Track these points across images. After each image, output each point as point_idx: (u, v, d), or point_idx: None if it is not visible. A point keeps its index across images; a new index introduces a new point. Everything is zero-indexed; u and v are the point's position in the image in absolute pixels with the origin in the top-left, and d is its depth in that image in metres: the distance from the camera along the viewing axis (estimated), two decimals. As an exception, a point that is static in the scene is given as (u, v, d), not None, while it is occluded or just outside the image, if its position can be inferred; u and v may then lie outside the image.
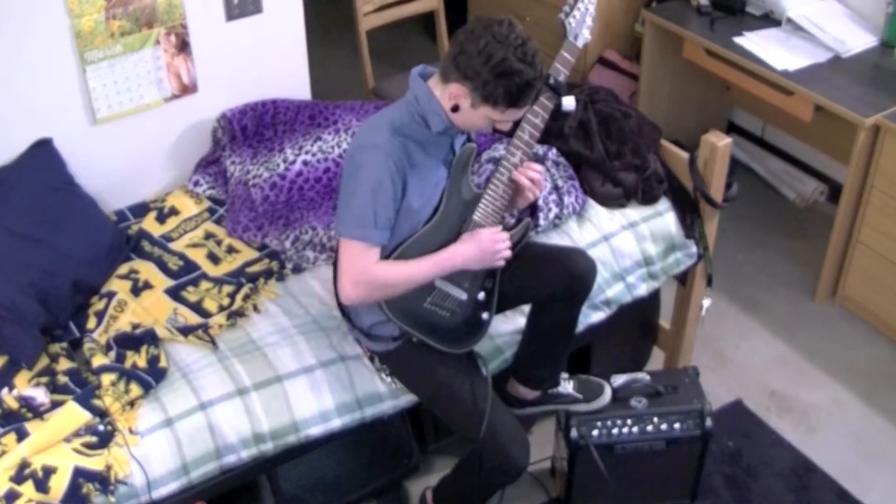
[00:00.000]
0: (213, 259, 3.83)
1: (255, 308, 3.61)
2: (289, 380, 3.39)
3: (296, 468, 3.73)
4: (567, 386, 3.70)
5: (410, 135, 3.10)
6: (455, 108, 3.03)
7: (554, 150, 4.05)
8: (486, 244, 3.20)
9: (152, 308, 3.60)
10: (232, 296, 3.65)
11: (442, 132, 3.12)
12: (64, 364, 3.39)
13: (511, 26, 2.96)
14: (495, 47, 2.91)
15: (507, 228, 3.35)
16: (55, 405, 3.23)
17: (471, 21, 3.04)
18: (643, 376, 3.84)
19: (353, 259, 3.09)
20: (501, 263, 3.27)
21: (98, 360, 3.36)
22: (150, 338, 3.43)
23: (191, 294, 3.67)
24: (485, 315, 3.37)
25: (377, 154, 3.04)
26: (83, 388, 3.29)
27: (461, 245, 3.21)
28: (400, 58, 6.03)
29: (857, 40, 4.92)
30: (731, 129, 6.00)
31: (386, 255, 3.18)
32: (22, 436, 3.14)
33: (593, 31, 3.32)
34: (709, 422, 3.75)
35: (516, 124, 3.23)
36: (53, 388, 3.30)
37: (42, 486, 3.03)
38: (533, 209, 3.84)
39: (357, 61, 5.30)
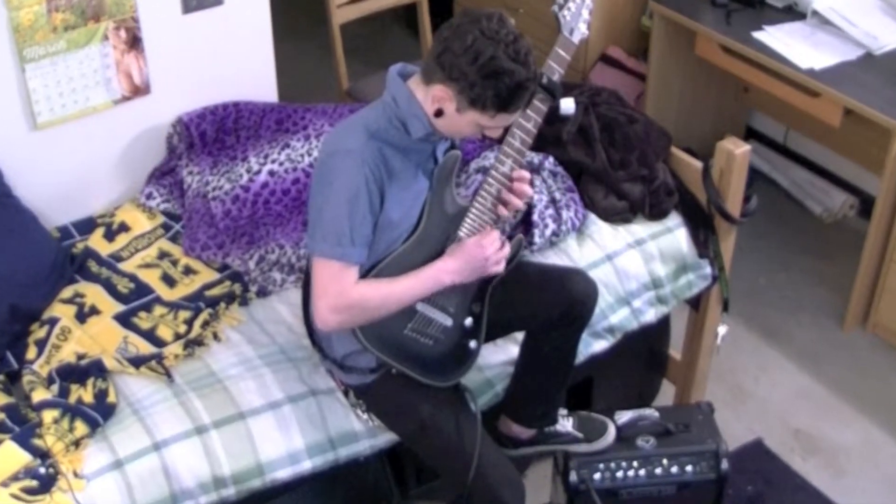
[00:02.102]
0: (168, 281, 3.85)
1: (216, 336, 3.63)
2: (253, 417, 3.41)
3: (261, 516, 3.75)
4: (566, 424, 3.73)
5: (388, 140, 3.11)
6: (439, 113, 3.04)
7: (551, 159, 4.08)
8: (474, 251, 3.21)
9: (100, 336, 3.62)
10: (189, 322, 3.67)
11: (423, 138, 3.14)
12: (0, 399, 3.40)
13: (502, 21, 2.98)
14: (484, 44, 2.92)
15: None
16: (-10, 445, 3.25)
17: (457, 14, 3.05)
18: (651, 413, 3.87)
19: (329, 281, 3.10)
20: (499, 269, 3.28)
21: (39, 395, 3.37)
22: (97, 369, 3.45)
23: (143, 320, 3.69)
24: (473, 344, 3.38)
25: (352, 160, 3.05)
26: (22, 427, 3.29)
27: (447, 259, 3.22)
28: (378, 55, 6.07)
29: (892, 35, 4.95)
30: (750, 135, 6.05)
31: (360, 276, 3.18)
32: (-47, 480, 3.15)
33: (591, 24, 3.35)
34: (725, 464, 3.78)
35: (507, 130, 3.24)
36: (-12, 426, 3.32)
37: (-25, 536, 3.05)
38: (527, 225, 3.88)
39: (330, 59, 5.33)
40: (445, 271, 3.21)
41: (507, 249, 3.28)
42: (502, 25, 2.96)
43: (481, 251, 3.21)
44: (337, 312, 3.11)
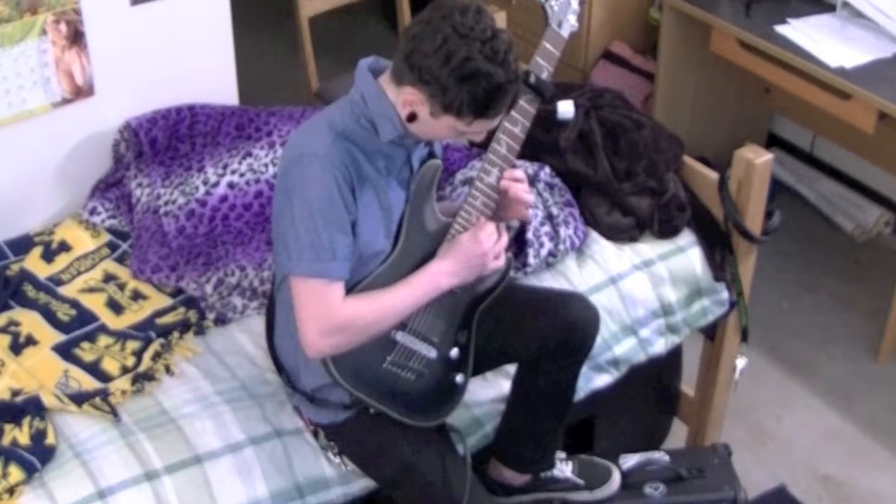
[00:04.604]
0: (115, 307, 3.86)
1: (168, 370, 3.63)
2: (210, 461, 3.41)
3: (219, 574, 3.75)
4: (564, 469, 3.75)
5: (356, 142, 3.11)
6: (412, 117, 3.05)
7: (547, 170, 4.10)
8: (471, 247, 3.21)
9: (37, 370, 3.62)
10: (138, 354, 3.67)
11: (395, 141, 3.14)
12: (-76, 441, 3.42)
13: (478, 14, 2.95)
14: (457, 44, 2.90)
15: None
16: (-87, 493, 3.26)
17: (428, 7, 3.02)
18: (660, 456, 3.89)
19: (313, 303, 3.08)
20: (500, 263, 3.29)
21: (-33, 437, 3.38)
22: (34, 407, 3.44)
23: (86, 352, 3.69)
24: (459, 378, 3.40)
25: (319, 165, 3.04)
26: (-51, 473, 3.31)
27: (441, 261, 3.23)
28: (351, 52, 6.05)
29: (931, 30, 4.99)
30: (773, 142, 6.09)
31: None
32: None
33: (581, 16, 3.36)
34: (744, 513, 3.82)
35: (492, 134, 3.25)
36: (-89, 471, 3.33)
37: None
38: (520, 244, 3.89)
39: (297, 56, 5.35)
40: (443, 273, 3.21)
41: (505, 239, 3.29)
42: (478, 20, 2.94)
43: (478, 246, 3.21)
44: (328, 336, 3.09)
